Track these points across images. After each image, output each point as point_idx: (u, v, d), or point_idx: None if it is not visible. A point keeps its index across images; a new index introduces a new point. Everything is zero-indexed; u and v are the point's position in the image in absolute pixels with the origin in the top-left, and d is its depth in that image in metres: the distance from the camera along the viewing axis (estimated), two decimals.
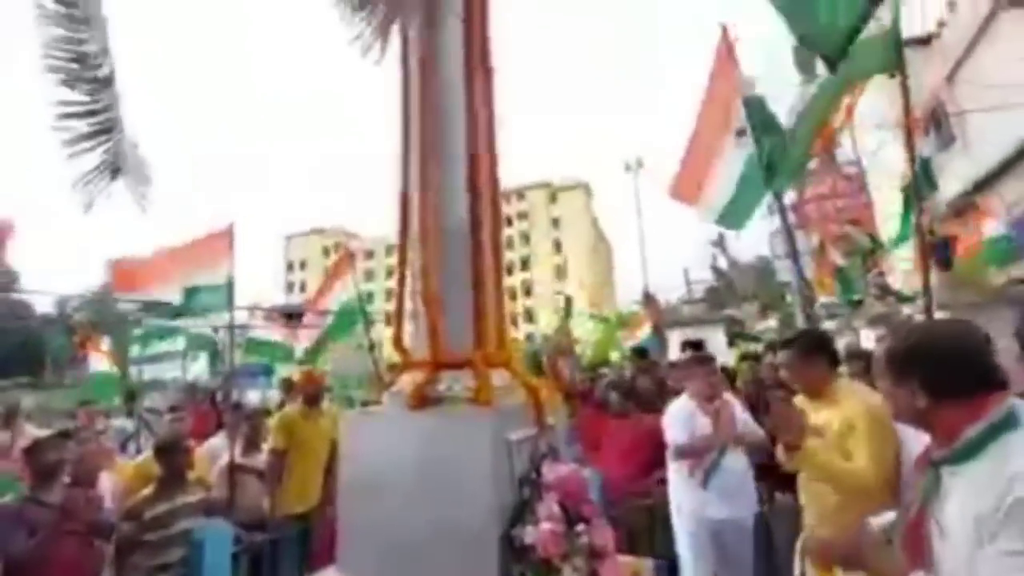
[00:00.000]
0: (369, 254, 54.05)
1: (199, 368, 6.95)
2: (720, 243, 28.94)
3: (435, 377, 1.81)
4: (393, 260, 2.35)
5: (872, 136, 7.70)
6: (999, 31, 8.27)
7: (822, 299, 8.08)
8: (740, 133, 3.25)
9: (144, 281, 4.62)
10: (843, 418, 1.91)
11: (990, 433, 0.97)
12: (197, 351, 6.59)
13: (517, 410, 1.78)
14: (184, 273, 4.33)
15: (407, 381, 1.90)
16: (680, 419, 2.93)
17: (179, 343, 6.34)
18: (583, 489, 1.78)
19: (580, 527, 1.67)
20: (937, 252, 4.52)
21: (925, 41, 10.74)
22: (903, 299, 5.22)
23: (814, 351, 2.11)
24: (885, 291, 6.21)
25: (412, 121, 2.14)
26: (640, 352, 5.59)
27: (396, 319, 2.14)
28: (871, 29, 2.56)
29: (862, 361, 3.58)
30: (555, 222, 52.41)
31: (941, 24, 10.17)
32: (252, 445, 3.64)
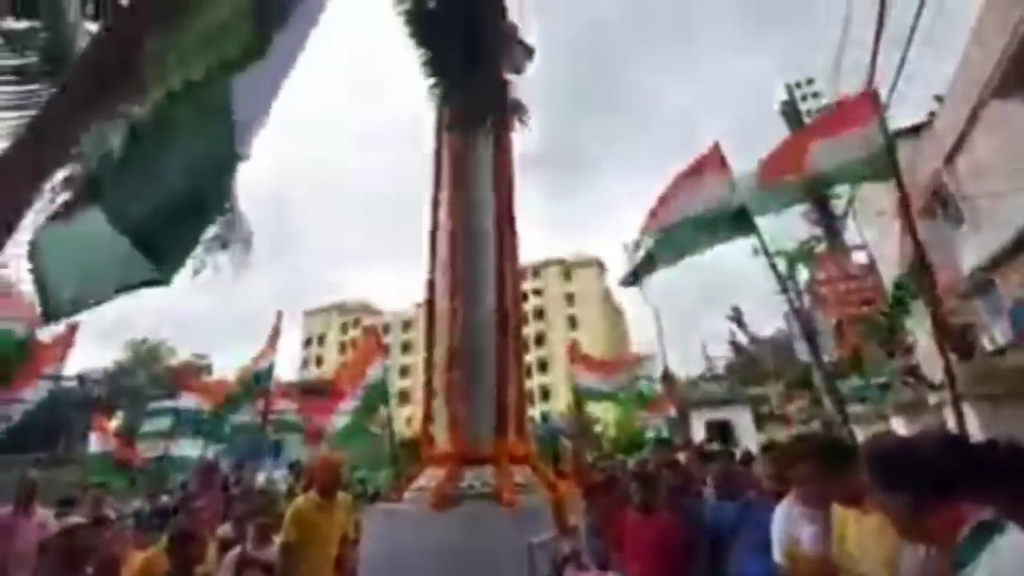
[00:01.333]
0: (385, 329, 54.70)
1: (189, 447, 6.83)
2: (737, 317, 28.64)
3: (458, 474, 1.84)
4: (410, 335, 2.46)
5: (875, 223, 7.93)
6: (992, 118, 8.75)
7: (851, 382, 7.83)
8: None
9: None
10: None
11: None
12: (183, 429, 6.43)
13: (539, 510, 1.78)
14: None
15: (430, 476, 1.93)
16: None
17: (164, 422, 6.29)
18: None
19: None
20: (955, 340, 4.45)
21: (915, 130, 11.34)
22: (932, 387, 5.06)
23: (842, 463, 1.84)
24: (914, 375, 6.03)
25: (442, 207, 2.34)
26: (664, 443, 5.38)
27: (425, 408, 2.20)
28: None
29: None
30: (569, 298, 52.94)
31: (931, 114, 10.81)
32: (264, 537, 3.54)
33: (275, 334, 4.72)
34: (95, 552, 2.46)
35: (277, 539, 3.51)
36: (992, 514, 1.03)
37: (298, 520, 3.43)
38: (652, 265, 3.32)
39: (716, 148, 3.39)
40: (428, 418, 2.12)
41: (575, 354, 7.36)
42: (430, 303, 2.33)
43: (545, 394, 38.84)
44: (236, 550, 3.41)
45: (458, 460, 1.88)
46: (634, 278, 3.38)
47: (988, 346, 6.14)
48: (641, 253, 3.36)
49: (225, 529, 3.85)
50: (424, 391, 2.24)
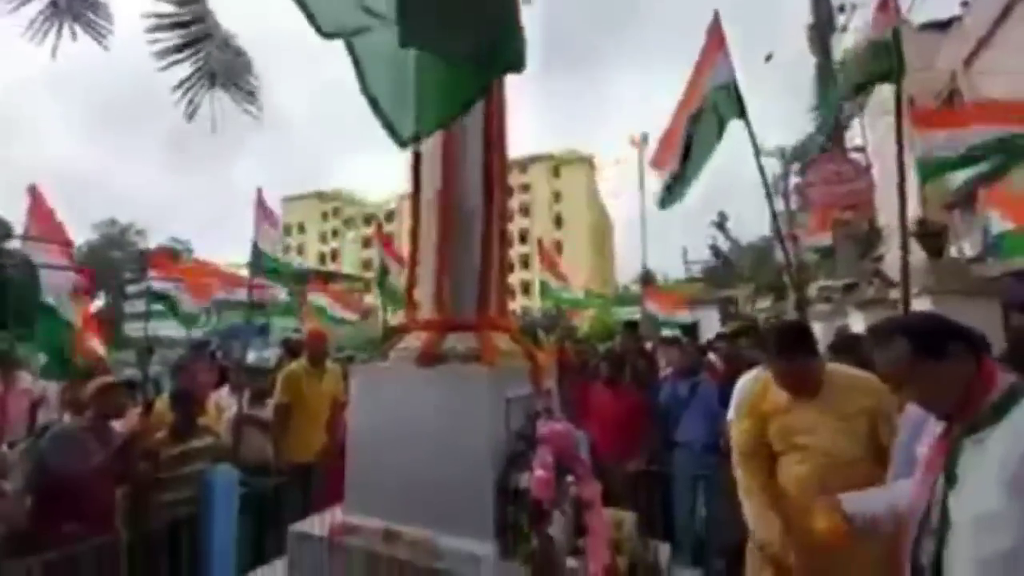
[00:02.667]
0: (367, 220, 53.59)
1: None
2: (721, 224, 28.84)
3: (441, 337, 1.93)
4: (394, 227, 2.43)
5: (881, 122, 7.65)
6: (1020, 16, 8.09)
7: (820, 283, 8.20)
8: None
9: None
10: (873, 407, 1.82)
11: (1011, 398, 1.08)
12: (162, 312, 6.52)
13: (517, 371, 1.91)
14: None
15: (414, 340, 2.02)
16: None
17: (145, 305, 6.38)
18: (574, 445, 1.92)
19: (569, 479, 1.82)
20: (929, 240, 4.59)
21: (946, 25, 10.50)
22: (892, 284, 5.33)
23: (797, 347, 1.93)
24: (878, 275, 6.31)
25: None
26: (631, 325, 5.65)
27: (410, 281, 2.23)
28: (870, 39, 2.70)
29: (852, 355, 2.72)
30: (556, 196, 51.86)
31: (964, 4, 9.93)
32: (258, 399, 3.80)
33: (267, 211, 4.59)
34: (127, 408, 2.70)
35: (271, 402, 3.78)
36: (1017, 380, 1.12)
37: (289, 383, 3.65)
38: (684, 185, 3.34)
39: (716, 20, 3.10)
40: (412, 286, 2.16)
41: (544, 255, 7.39)
42: (416, 190, 2.26)
43: (526, 289, 39.96)
44: (233, 408, 3.68)
45: (441, 326, 1.95)
46: (669, 201, 3.44)
47: (955, 254, 6.39)
48: (669, 180, 3.41)
49: (220, 394, 4.09)
50: (409, 261, 2.25)
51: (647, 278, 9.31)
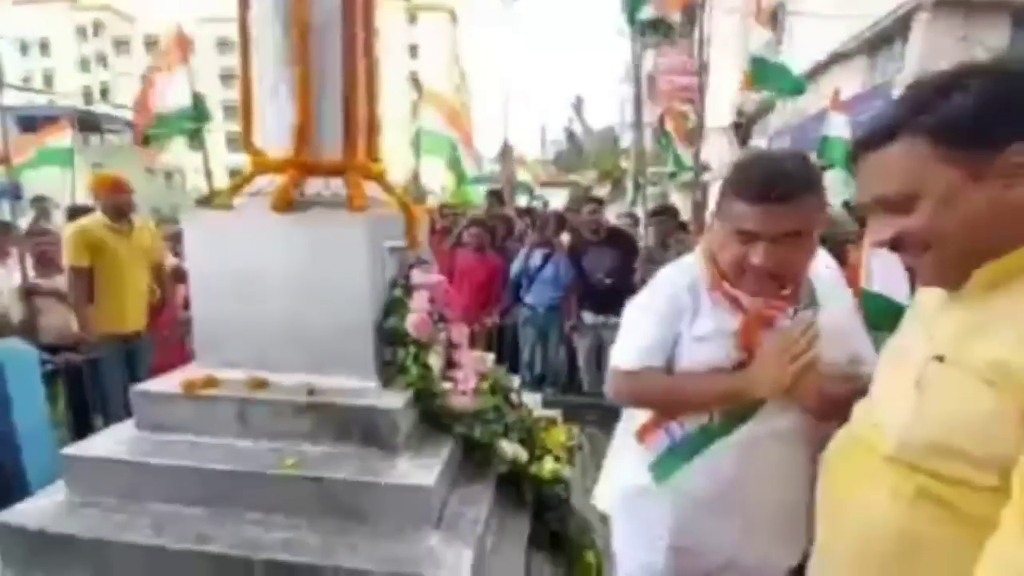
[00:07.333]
0: (153, 42, 40.48)
1: None
2: (578, 107, 29.61)
3: (300, 180, 1.71)
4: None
5: (725, 20, 8.26)
6: None
7: (651, 169, 9.26)
8: None
9: None
10: None
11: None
12: None
13: (390, 220, 1.84)
14: None
15: (265, 183, 1.76)
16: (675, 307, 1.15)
17: None
18: (446, 294, 2.02)
19: (441, 324, 1.94)
20: (743, 130, 5.44)
21: None
22: (706, 168, 6.30)
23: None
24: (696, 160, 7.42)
25: None
26: (496, 193, 5.88)
27: (244, 114, 1.86)
28: None
29: (667, 215, 4.55)
30: (412, 49, 45.95)
31: None
32: (45, 266, 3.04)
33: None
34: None
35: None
36: None
37: (86, 243, 2.97)
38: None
39: None
40: (248, 125, 1.81)
41: (425, 91, 6.78)
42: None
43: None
44: (15, 279, 2.90)
45: (300, 167, 1.71)
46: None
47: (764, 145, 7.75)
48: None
49: None
50: (242, 96, 1.85)
51: (506, 151, 9.38)
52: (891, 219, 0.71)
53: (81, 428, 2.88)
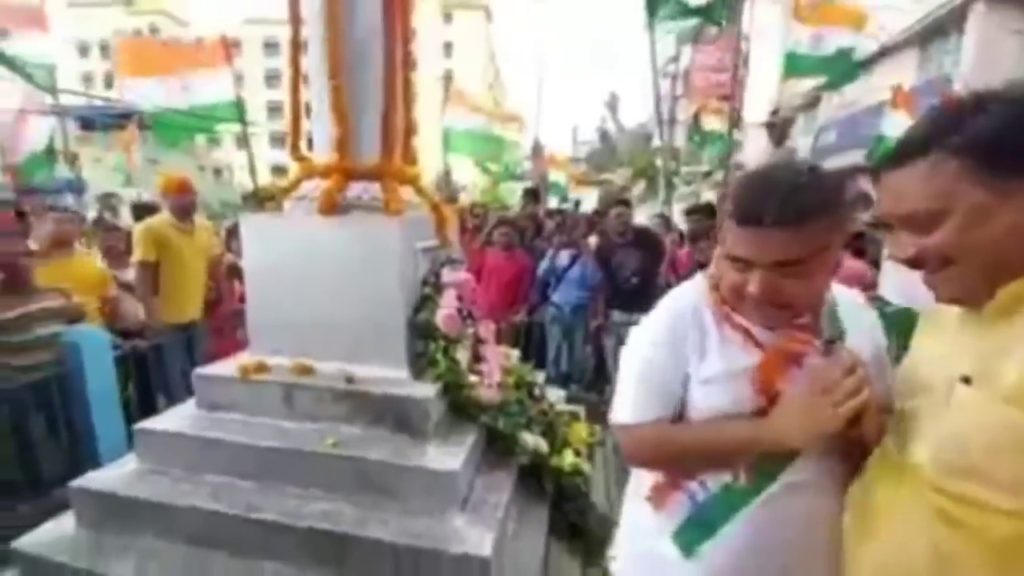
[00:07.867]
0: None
1: None
2: (612, 105, 29.21)
3: (343, 185, 1.86)
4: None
5: (769, 11, 8.03)
6: None
7: (685, 169, 9.12)
8: None
9: None
10: None
11: None
12: None
13: (423, 222, 1.97)
14: None
15: (311, 187, 1.92)
16: (678, 336, 0.97)
17: None
18: (474, 293, 2.14)
19: (469, 321, 2.06)
20: (777, 132, 5.31)
21: None
22: (739, 167, 6.17)
23: None
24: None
25: None
26: (533, 192, 5.91)
27: (293, 125, 2.03)
28: None
29: (701, 214, 4.31)
30: (447, 48, 46.52)
31: None
32: (116, 259, 3.36)
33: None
34: None
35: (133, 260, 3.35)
36: None
37: (154, 239, 3.25)
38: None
39: None
40: (297, 135, 1.98)
41: (452, 90, 6.91)
42: (294, 7, 1.94)
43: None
44: None
45: (343, 173, 1.86)
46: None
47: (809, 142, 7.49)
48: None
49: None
50: (291, 107, 2.03)
51: (537, 150, 9.43)
52: (914, 235, 0.71)
53: (145, 407, 3.17)
